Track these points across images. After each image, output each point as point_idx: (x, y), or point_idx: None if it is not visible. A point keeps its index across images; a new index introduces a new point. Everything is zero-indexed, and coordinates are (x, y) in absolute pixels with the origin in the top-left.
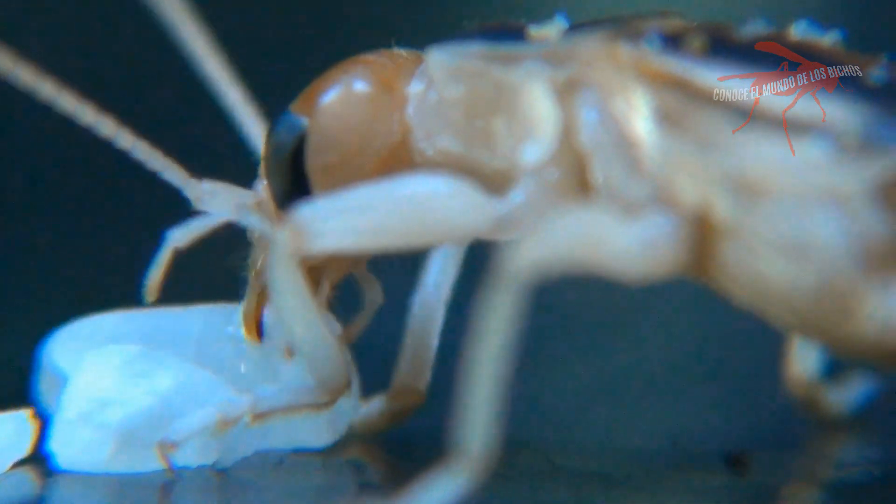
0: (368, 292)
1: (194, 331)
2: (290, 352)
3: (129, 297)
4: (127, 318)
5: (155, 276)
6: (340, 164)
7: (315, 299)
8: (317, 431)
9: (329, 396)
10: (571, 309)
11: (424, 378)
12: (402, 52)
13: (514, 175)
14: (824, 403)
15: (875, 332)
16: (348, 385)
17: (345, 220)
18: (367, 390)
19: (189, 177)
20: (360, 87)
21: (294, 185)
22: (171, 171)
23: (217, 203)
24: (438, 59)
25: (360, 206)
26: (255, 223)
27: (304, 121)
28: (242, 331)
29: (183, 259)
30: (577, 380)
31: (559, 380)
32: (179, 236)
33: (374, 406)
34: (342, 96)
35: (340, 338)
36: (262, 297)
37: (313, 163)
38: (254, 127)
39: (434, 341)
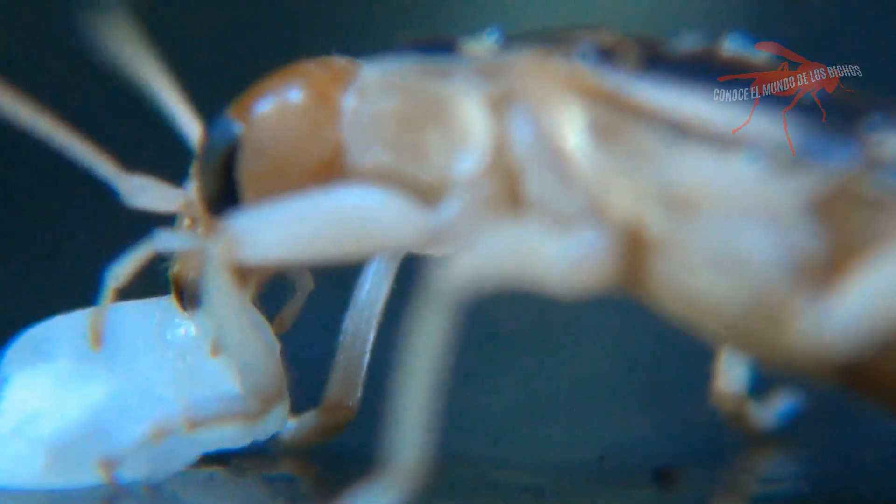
0: (299, 281)
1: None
2: (216, 350)
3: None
4: (71, 322)
5: (99, 319)
6: (272, 174)
7: (248, 307)
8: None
9: (262, 406)
10: (502, 324)
11: (356, 393)
12: (339, 62)
13: (446, 188)
14: (751, 418)
15: (807, 346)
16: (281, 395)
17: (278, 231)
18: (300, 405)
19: (121, 170)
20: (296, 98)
21: (225, 189)
22: (102, 164)
23: (147, 199)
24: (372, 72)
25: (293, 217)
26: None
27: (239, 128)
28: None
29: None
30: (508, 394)
31: (490, 394)
32: (120, 272)
33: (305, 421)
34: (277, 107)
35: (274, 326)
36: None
37: (245, 170)
38: (188, 125)
39: (366, 356)
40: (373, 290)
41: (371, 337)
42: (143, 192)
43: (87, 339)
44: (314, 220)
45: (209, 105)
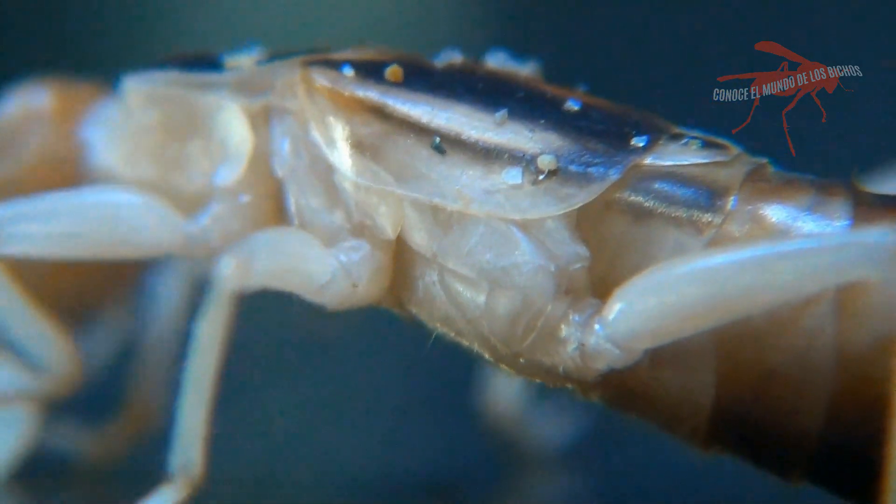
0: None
1: None
2: None
3: None
4: None
5: None
6: None
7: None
8: None
9: (55, 386)
10: (279, 333)
11: (156, 402)
12: (73, 92)
13: (207, 198)
14: (528, 438)
15: (571, 360)
16: (79, 376)
17: (34, 226)
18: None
19: None
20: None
21: None
22: None
23: None
24: (134, 85)
25: (50, 213)
26: None
27: None
28: None
29: None
30: (286, 408)
31: (266, 410)
32: None
33: (105, 431)
34: (32, 153)
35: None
36: None
37: None
38: None
39: (165, 364)
40: (171, 296)
41: (171, 343)
42: None
43: None
44: (70, 217)
45: None
